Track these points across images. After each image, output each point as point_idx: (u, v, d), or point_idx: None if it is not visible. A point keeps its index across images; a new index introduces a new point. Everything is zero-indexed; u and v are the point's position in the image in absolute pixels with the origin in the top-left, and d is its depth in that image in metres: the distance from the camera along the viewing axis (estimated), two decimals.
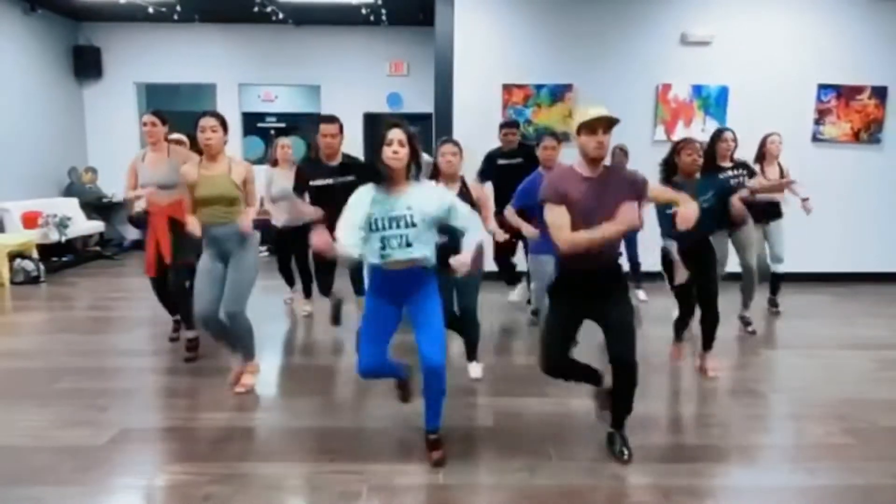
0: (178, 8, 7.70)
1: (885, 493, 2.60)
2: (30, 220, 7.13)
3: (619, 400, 2.82)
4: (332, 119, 4.12)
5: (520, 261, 5.24)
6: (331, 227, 2.73)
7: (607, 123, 2.63)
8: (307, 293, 5.44)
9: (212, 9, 8.04)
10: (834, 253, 6.93)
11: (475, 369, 3.88)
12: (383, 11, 7.93)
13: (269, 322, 5.09)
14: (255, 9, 7.58)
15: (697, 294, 3.80)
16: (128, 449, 2.92)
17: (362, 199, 2.64)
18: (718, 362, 3.98)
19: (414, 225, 2.61)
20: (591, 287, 2.77)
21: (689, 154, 3.69)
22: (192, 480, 2.64)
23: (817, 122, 6.77)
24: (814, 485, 2.67)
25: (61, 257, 7.29)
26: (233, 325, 3.48)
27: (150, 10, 7.74)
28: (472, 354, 3.90)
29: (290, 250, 5.33)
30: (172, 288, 4.21)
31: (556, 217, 2.67)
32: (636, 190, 2.73)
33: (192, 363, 4.06)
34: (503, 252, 5.24)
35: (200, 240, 3.56)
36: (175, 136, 4.51)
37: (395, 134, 2.61)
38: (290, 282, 5.60)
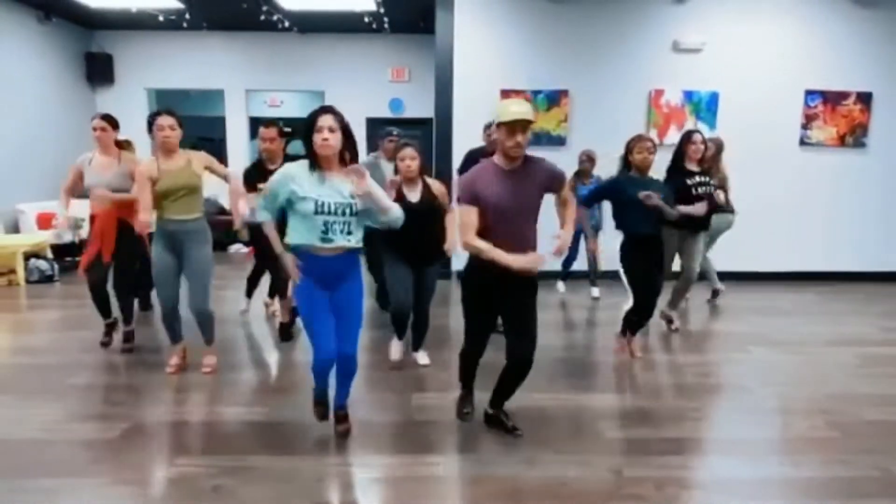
0: (187, 16, 7.71)
1: (869, 485, 2.61)
2: (44, 221, 7.13)
3: (507, 389, 2.94)
4: (269, 123, 4.11)
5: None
6: (280, 230, 2.75)
7: (526, 125, 2.58)
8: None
9: (219, 17, 8.04)
10: (819, 253, 6.95)
11: (423, 357, 4.05)
12: (385, 20, 7.94)
13: (264, 319, 5.11)
14: (262, 17, 7.59)
15: (642, 287, 3.89)
16: (139, 442, 2.92)
17: (291, 175, 2.56)
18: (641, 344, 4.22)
19: (355, 214, 2.59)
20: (497, 282, 2.71)
21: (640, 152, 3.78)
22: (202, 472, 2.65)
23: (804, 126, 6.77)
24: (799, 476, 2.68)
25: (74, 257, 7.27)
26: (204, 320, 3.72)
27: (161, 18, 7.75)
28: (418, 345, 4.09)
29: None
30: (116, 284, 4.15)
31: (465, 216, 2.65)
32: (552, 184, 2.77)
33: (131, 354, 4.15)
34: None
35: (142, 244, 3.93)
36: (122, 137, 4.35)
37: (325, 120, 2.50)
38: (250, 291, 5.21)
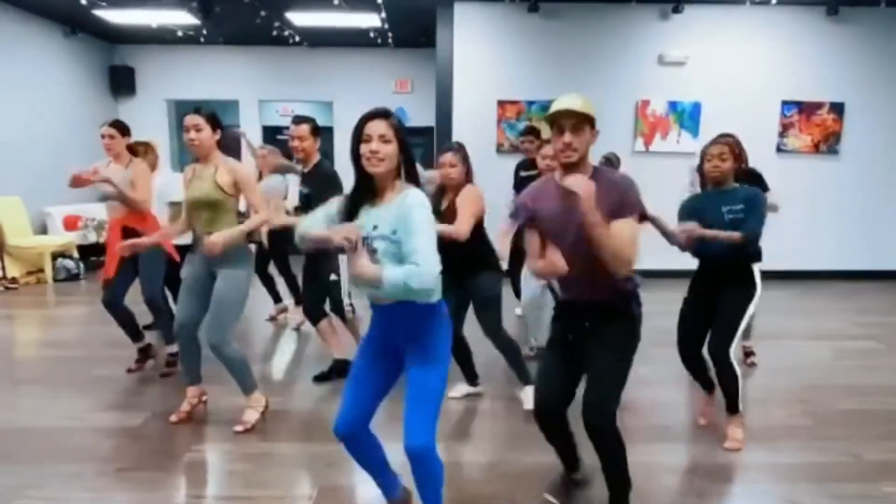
0: (205, 31, 7.71)
1: (842, 469, 2.61)
2: (70, 223, 7.13)
3: (604, 471, 2.13)
4: (299, 120, 3.53)
5: None
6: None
7: (575, 119, 1.85)
8: (297, 300, 4.54)
9: (235, 32, 8.03)
10: (797, 252, 6.92)
11: (526, 394, 3.05)
12: (390, 34, 7.93)
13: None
14: (274, 32, 7.59)
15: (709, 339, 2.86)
16: (159, 430, 2.92)
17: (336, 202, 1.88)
18: (740, 434, 2.82)
19: (374, 251, 1.74)
20: (579, 322, 2.06)
21: (709, 160, 2.73)
22: (218, 459, 2.65)
23: (781, 134, 6.77)
24: (778, 462, 2.68)
25: (99, 256, 7.26)
26: (217, 357, 2.83)
27: (179, 33, 7.75)
28: (521, 378, 3.18)
29: (269, 255, 4.72)
30: (145, 299, 3.57)
31: (529, 244, 2.07)
32: (622, 207, 1.88)
33: (169, 377, 3.58)
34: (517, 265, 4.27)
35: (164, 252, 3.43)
36: (145, 139, 4.12)
37: (376, 127, 1.70)
38: (274, 295, 4.87)
